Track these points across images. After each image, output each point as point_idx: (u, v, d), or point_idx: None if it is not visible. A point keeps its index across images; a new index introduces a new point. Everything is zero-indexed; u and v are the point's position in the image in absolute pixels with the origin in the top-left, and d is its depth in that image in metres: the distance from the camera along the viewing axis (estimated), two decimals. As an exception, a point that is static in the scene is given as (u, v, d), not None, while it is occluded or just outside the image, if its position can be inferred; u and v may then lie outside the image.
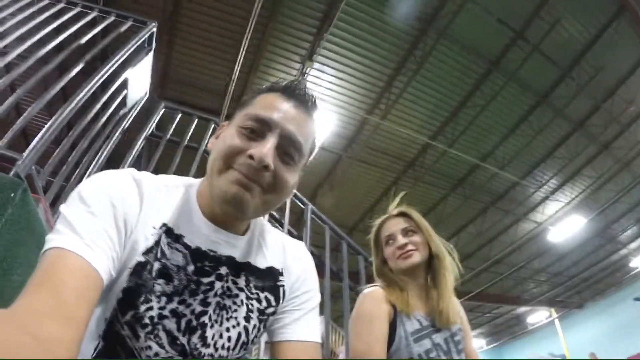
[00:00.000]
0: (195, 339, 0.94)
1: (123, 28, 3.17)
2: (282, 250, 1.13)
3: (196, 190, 1.01)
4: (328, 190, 11.24)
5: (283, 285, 1.08)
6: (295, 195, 3.60)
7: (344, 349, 3.72)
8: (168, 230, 0.94)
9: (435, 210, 13.05)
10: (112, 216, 0.85)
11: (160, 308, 0.90)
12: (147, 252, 0.90)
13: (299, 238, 2.98)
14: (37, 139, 1.99)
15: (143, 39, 3.19)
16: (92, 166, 2.83)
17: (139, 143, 3.24)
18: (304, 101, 1.01)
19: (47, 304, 0.65)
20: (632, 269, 20.55)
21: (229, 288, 1.00)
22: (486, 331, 24.70)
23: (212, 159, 0.96)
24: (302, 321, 1.09)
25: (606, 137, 11.81)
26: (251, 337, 1.03)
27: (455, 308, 1.82)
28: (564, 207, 14.39)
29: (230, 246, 1.00)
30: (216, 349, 0.97)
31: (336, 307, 3.08)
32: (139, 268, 0.89)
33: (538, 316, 23.60)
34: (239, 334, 1.00)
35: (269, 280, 1.07)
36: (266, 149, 0.90)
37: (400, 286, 1.78)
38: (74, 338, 0.65)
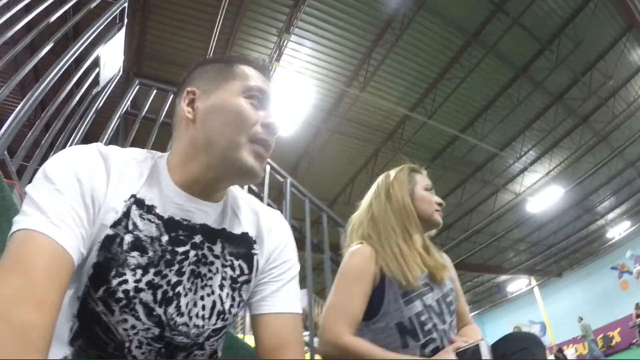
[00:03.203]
0: (171, 309, 0.93)
1: (93, 4, 3.05)
2: (256, 218, 1.11)
3: (165, 160, 1.01)
4: (307, 163, 11.25)
5: (256, 254, 1.06)
6: (274, 169, 3.64)
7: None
8: (138, 202, 0.92)
9: None
10: (79, 192, 0.83)
11: (136, 281, 0.89)
12: (115, 224, 0.88)
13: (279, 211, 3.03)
14: (8, 121, 1.95)
15: (114, 14, 3.13)
16: (67, 147, 2.81)
17: (114, 121, 3.23)
18: (270, 77, 1.10)
19: (17, 289, 0.65)
20: (609, 239, 21.08)
21: (204, 255, 0.99)
22: (467, 300, 25.02)
23: (217, 129, 0.96)
24: (281, 292, 1.07)
25: (584, 110, 12.04)
26: (226, 306, 1.01)
27: (447, 264, 1.82)
28: (543, 178, 14.70)
29: (203, 214, 0.99)
30: (190, 318, 0.95)
31: (319, 279, 3.13)
32: (107, 242, 0.87)
33: (518, 284, 24.15)
34: (214, 303, 0.99)
35: (243, 247, 1.05)
36: (278, 117, 1.00)
37: (403, 237, 1.71)
38: (47, 322, 0.65)
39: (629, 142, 13.57)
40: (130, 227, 0.90)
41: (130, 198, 0.91)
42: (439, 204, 1.84)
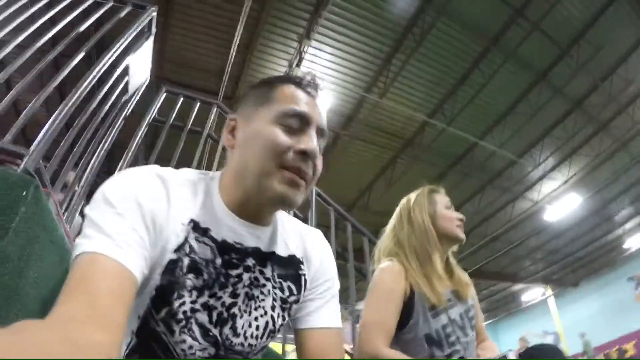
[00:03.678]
0: (226, 329, 0.98)
1: (122, 14, 3.09)
2: (302, 239, 1.15)
3: (217, 183, 1.03)
4: (326, 168, 11.28)
5: (304, 274, 1.12)
6: None
7: (348, 325, 3.84)
8: (195, 225, 0.95)
9: None
10: (140, 215, 0.85)
11: (192, 302, 0.93)
12: (178, 249, 0.92)
13: (304, 220, 3.06)
14: (42, 132, 1.98)
15: (143, 24, 3.18)
16: (95, 155, 2.84)
17: (142, 129, 3.28)
18: (318, 92, 1.08)
19: (84, 310, 0.65)
20: (626, 249, 20.83)
21: (256, 278, 1.03)
22: (482, 308, 24.69)
23: (251, 156, 0.97)
24: (325, 309, 1.13)
25: (604, 117, 11.92)
26: (277, 325, 1.07)
27: (469, 282, 1.96)
28: (561, 186, 14.58)
29: (255, 237, 1.02)
30: (245, 338, 1.00)
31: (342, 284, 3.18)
32: (172, 265, 0.91)
33: (533, 294, 23.94)
34: (267, 323, 1.04)
35: (291, 269, 1.10)
36: (315, 142, 0.98)
37: (424, 257, 1.84)
38: (113, 342, 0.65)
39: None
40: (188, 250, 0.93)
41: (189, 222, 0.94)
42: (460, 220, 1.96)
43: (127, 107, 3.29)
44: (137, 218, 0.84)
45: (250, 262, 1.02)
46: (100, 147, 2.91)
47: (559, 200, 14.89)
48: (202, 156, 3.61)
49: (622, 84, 10.72)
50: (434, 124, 10.71)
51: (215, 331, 0.96)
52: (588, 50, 9.75)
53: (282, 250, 1.09)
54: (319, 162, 1.01)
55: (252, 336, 1.02)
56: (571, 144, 12.70)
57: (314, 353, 1.07)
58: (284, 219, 1.14)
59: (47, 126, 2.01)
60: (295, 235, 1.14)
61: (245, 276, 1.01)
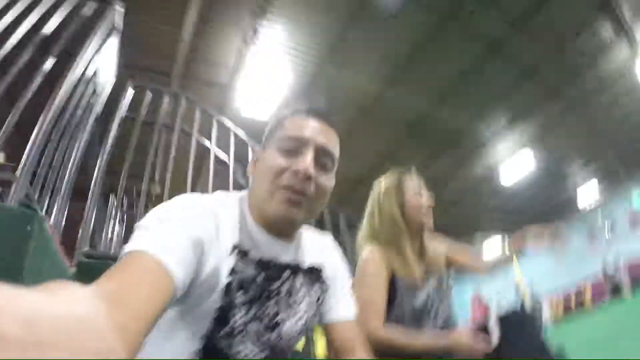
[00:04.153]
0: (274, 334, 1.13)
1: (87, 11, 2.95)
2: (318, 248, 1.30)
3: (247, 205, 1.15)
4: None
5: (325, 279, 1.27)
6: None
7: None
8: (239, 250, 1.07)
9: (393, 157, 13.24)
10: (189, 237, 0.91)
11: (245, 315, 1.06)
12: (231, 273, 1.03)
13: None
14: (25, 156, 1.96)
15: (111, 24, 3.13)
16: (71, 164, 2.78)
17: (114, 126, 3.24)
18: (325, 115, 1.17)
19: (119, 293, 0.65)
20: (580, 205, 21.60)
21: (292, 287, 1.17)
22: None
23: (258, 182, 1.11)
24: (342, 302, 1.29)
25: (557, 82, 12.11)
26: (310, 323, 1.23)
27: (441, 255, 2.18)
28: (515, 147, 14.94)
29: (285, 253, 1.17)
30: (289, 339, 1.17)
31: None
32: (228, 288, 1.03)
33: (494, 252, 24.50)
34: (304, 324, 1.20)
35: (315, 276, 1.24)
36: (308, 161, 1.06)
37: (397, 245, 1.98)
38: (140, 331, 0.64)
39: (598, 112, 14.15)
40: (236, 272, 1.05)
41: (234, 248, 1.06)
42: (429, 207, 2.08)
43: (97, 107, 3.24)
44: (185, 238, 0.90)
45: (285, 274, 1.16)
46: (73, 154, 2.85)
47: (513, 162, 15.28)
48: (157, 145, 3.62)
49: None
50: (389, 92, 10.68)
51: (266, 336, 1.11)
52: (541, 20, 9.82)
53: (305, 262, 1.23)
54: (322, 180, 1.10)
55: (294, 336, 1.19)
56: (525, 106, 12.91)
57: (344, 342, 1.23)
58: (301, 233, 1.26)
59: (28, 149, 1.99)
60: (313, 246, 1.28)
61: (284, 287, 1.15)
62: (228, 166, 3.93)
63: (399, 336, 1.78)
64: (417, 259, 2.03)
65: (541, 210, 20.97)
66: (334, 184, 1.17)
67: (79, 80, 2.64)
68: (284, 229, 1.14)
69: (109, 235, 4.90)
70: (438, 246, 2.23)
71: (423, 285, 1.97)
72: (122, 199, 3.55)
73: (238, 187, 3.79)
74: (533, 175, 16.50)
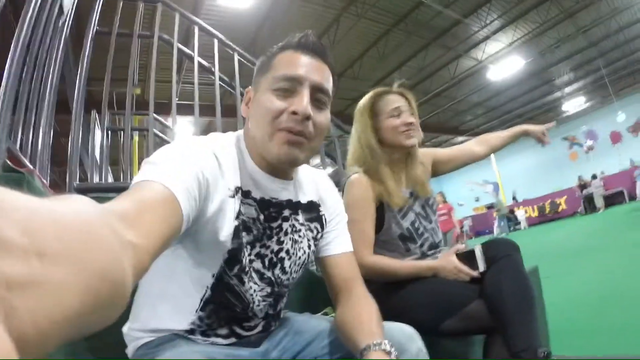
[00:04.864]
0: (277, 271, 1.16)
1: None
2: (315, 185, 1.30)
3: (244, 145, 1.13)
4: (269, 31, 10.90)
5: (324, 214, 1.29)
6: (223, 42, 3.95)
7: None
8: (240, 191, 1.07)
9: (377, 45, 13.16)
10: (194, 173, 0.91)
11: (249, 254, 1.09)
12: (238, 216, 1.05)
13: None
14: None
15: None
16: (48, 96, 2.64)
17: (88, 44, 3.10)
18: (318, 50, 1.12)
19: (129, 211, 0.63)
20: (564, 111, 22.05)
21: (293, 225, 1.20)
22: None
23: (255, 125, 1.07)
24: (341, 237, 1.31)
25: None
26: (311, 258, 1.27)
27: (427, 176, 2.09)
28: (505, 48, 15.02)
29: (285, 191, 1.17)
30: (291, 274, 1.20)
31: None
32: (236, 231, 1.05)
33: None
34: (305, 259, 1.24)
35: (314, 212, 1.27)
36: (305, 102, 1.03)
37: (377, 172, 1.90)
38: (149, 252, 0.61)
39: (595, 22, 14.02)
40: (240, 214, 1.07)
41: (238, 191, 1.07)
42: (407, 124, 1.92)
43: (66, 30, 3.06)
44: (191, 173, 0.90)
45: (286, 212, 1.18)
46: (50, 83, 2.72)
47: (502, 61, 15.46)
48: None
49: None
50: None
51: (269, 273, 1.15)
52: None
53: (304, 198, 1.25)
54: (319, 118, 1.08)
55: (295, 272, 1.22)
56: (519, 9, 12.82)
57: (341, 274, 1.25)
58: (299, 170, 1.25)
59: (2, 91, 1.86)
60: (310, 183, 1.29)
61: (285, 225, 1.18)
62: (210, 70, 3.91)
63: (387, 262, 1.80)
64: (401, 183, 1.96)
65: (524, 110, 21.22)
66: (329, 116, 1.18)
67: (41, 5, 2.48)
68: (283, 169, 1.14)
69: (96, 157, 4.74)
70: (425, 159, 2.13)
71: (409, 210, 1.93)
72: (105, 115, 3.44)
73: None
74: (521, 74, 16.58)
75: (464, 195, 26.89)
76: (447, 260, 1.77)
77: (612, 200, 18.97)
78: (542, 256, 6.53)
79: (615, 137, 22.29)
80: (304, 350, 1.21)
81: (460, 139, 22.74)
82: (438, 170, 2.21)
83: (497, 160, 24.59)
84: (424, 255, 1.90)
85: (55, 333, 0.29)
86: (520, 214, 22.04)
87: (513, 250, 1.69)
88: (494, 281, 1.61)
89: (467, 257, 1.74)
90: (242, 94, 2.57)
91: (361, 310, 1.16)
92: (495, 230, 20.13)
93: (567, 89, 20.31)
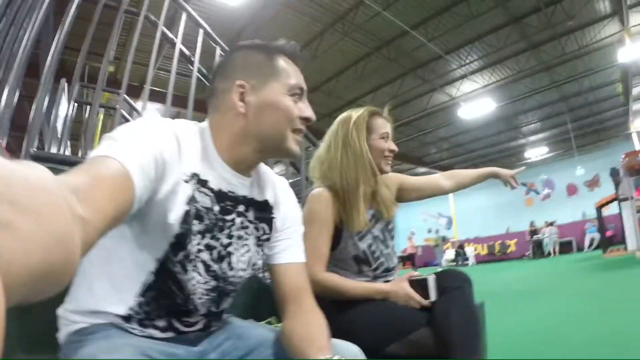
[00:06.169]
0: (224, 265, 1.15)
1: None
2: (273, 188, 1.31)
3: (210, 136, 1.15)
4: (253, 33, 10.85)
5: (275, 218, 1.29)
6: (208, 35, 3.88)
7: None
8: (197, 178, 1.08)
9: (357, 66, 13.24)
10: (152, 152, 0.92)
11: (198, 244, 1.08)
12: (189, 201, 1.05)
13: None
14: None
15: None
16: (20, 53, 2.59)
17: (72, 9, 3.01)
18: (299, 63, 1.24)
19: (82, 186, 0.64)
20: (526, 158, 22.56)
21: (243, 222, 1.20)
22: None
23: (269, 123, 1.13)
24: (294, 247, 1.30)
25: (537, 39, 12.40)
26: (257, 259, 1.25)
27: (393, 199, 2.08)
28: (480, 88, 15.46)
29: (243, 186, 1.19)
30: (237, 271, 1.19)
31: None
32: (186, 216, 1.04)
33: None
34: (250, 258, 1.22)
35: (265, 212, 1.26)
36: (311, 111, 1.18)
37: (352, 185, 1.87)
38: (98, 228, 0.62)
39: (569, 78, 14.63)
40: (194, 200, 1.07)
41: (193, 176, 1.07)
42: (391, 151, 1.96)
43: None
44: (149, 152, 0.91)
45: (241, 208, 1.19)
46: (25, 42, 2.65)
47: (474, 100, 15.82)
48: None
49: (564, 16, 10.97)
50: (370, 4, 10.49)
51: (216, 266, 1.14)
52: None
53: (259, 196, 1.26)
54: None
55: (241, 269, 1.20)
56: (499, 55, 13.21)
57: (290, 284, 1.25)
58: (259, 169, 1.28)
59: None
60: (268, 184, 1.30)
61: (238, 220, 1.18)
62: (190, 59, 3.84)
63: (338, 281, 1.79)
64: (367, 202, 1.94)
65: (488, 151, 21.76)
66: None
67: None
68: (247, 166, 1.18)
69: (57, 128, 4.62)
70: (390, 183, 2.12)
71: (367, 232, 1.91)
72: (75, 86, 3.35)
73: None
74: (490, 116, 17.08)
75: (416, 225, 27.26)
76: (399, 286, 1.77)
77: (560, 248, 19.79)
78: (488, 293, 6.62)
79: (572, 190, 23.51)
80: (245, 356, 1.19)
81: (421, 170, 23.09)
82: (402, 197, 2.19)
83: (453, 195, 25.02)
84: (376, 279, 1.89)
85: (18, 284, 0.30)
86: (470, 250, 22.55)
87: (465, 283, 1.71)
88: (443, 311, 1.62)
89: (420, 285, 1.74)
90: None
91: (311, 323, 1.18)
92: (443, 263, 20.63)
93: (532, 138, 21.20)
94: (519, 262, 19.28)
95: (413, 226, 26.61)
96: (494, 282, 9.62)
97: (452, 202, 25.74)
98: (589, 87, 15.70)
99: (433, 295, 1.69)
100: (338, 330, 1.25)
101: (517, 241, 22.28)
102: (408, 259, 23.68)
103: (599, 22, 11.93)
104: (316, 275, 1.72)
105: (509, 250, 22.53)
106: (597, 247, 16.98)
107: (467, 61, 13.61)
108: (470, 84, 15.19)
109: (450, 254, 22.71)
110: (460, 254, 22.41)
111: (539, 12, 11.28)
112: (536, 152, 22.98)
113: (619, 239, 13.18)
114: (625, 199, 10.30)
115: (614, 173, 11.48)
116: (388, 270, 1.93)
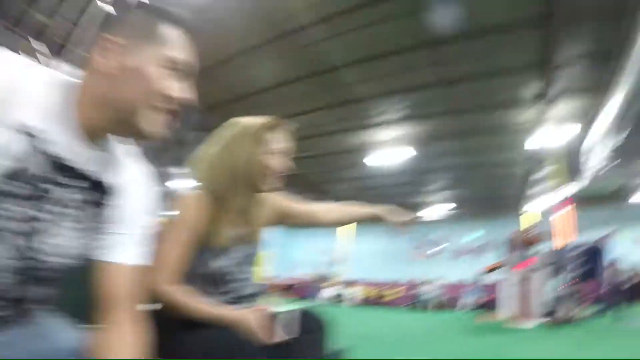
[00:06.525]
0: (34, 243, 0.97)
1: None
2: (122, 170, 1.14)
3: (76, 97, 1.00)
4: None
5: (108, 204, 1.11)
6: None
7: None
8: (29, 133, 0.92)
9: (283, 87, 12.95)
10: None
11: (7, 211, 0.90)
12: (16, 159, 0.89)
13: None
14: None
15: None
16: None
17: None
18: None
19: None
20: (420, 216, 23.73)
21: (72, 199, 1.02)
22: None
23: (128, 92, 0.99)
24: (129, 246, 1.14)
25: (459, 107, 12.76)
26: (77, 247, 1.06)
27: (268, 224, 1.91)
28: (396, 139, 15.59)
29: (88, 160, 1.03)
30: (51, 255, 1.00)
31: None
32: (6, 173, 0.89)
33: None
34: (70, 242, 1.04)
35: (98, 195, 1.09)
36: (192, 93, 1.05)
37: (223, 198, 1.72)
38: None
39: (480, 151, 15.51)
40: (21, 158, 0.91)
41: (25, 130, 0.91)
42: (278, 171, 1.78)
43: None
44: None
45: (74, 183, 1.02)
46: None
47: (387, 149, 16.16)
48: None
49: (489, 91, 11.60)
50: (314, 29, 10.32)
51: (22, 243, 0.95)
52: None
53: (97, 175, 1.08)
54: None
55: (57, 254, 1.02)
56: (426, 112, 13.53)
57: (106, 288, 1.09)
58: (114, 146, 1.13)
59: None
60: (117, 165, 1.13)
61: (65, 196, 1.01)
62: None
63: (181, 298, 1.58)
64: (237, 218, 1.75)
65: (385, 201, 22.19)
66: None
67: None
68: (102, 138, 1.04)
69: None
70: (272, 205, 1.94)
71: (229, 252, 1.72)
72: None
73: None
74: (399, 167, 17.58)
75: (302, 257, 27.51)
76: (250, 317, 1.56)
77: (441, 305, 21.44)
78: (359, 337, 6.64)
79: (460, 252, 25.30)
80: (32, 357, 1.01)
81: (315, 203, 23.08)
82: (283, 222, 2.02)
83: (345, 231, 25.40)
84: (228, 304, 1.70)
85: None
86: (353, 291, 23.00)
87: (320, 327, 1.63)
88: (291, 352, 1.53)
89: (277, 320, 1.58)
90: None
91: (122, 339, 1.07)
92: (320, 299, 20.95)
93: (433, 197, 22.17)
94: (400, 311, 20.12)
95: (299, 257, 26.79)
96: (367, 328, 9.71)
97: (342, 239, 26.27)
98: (495, 163, 16.72)
99: (286, 332, 1.55)
100: (168, 352, 1.23)
101: (400, 290, 23.58)
102: (288, 290, 23.82)
103: (519, 107, 12.58)
104: (157, 286, 1.56)
105: (390, 298, 23.34)
106: (475, 309, 18.01)
107: (391, 109, 13.58)
108: (388, 132, 15.21)
109: (331, 291, 23.03)
110: (342, 294, 22.77)
111: (466, 83, 11.50)
112: (434, 211, 24.16)
113: (495, 305, 13.95)
114: (507, 270, 11.10)
115: (502, 245, 12.31)
116: (242, 299, 1.76)
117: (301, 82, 12.50)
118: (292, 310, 1.60)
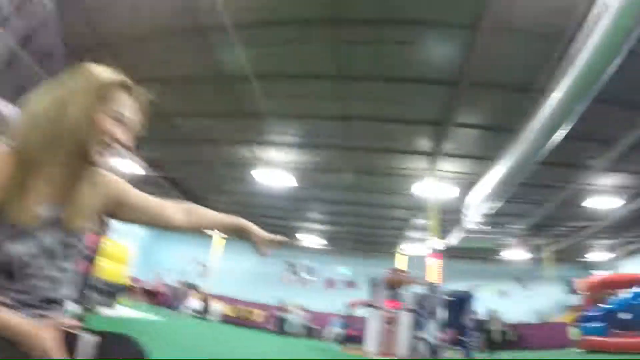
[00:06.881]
0: None
1: None
2: None
3: None
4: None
5: None
6: None
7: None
8: None
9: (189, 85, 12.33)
10: None
11: None
12: None
13: None
14: None
15: None
16: None
17: None
18: None
19: None
20: (299, 240, 24.37)
21: None
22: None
23: None
24: None
25: (352, 144, 13.06)
26: None
27: (96, 209, 1.49)
28: (281, 163, 15.48)
29: None
30: None
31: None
32: None
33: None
34: None
35: None
36: None
37: (44, 162, 1.30)
38: None
39: (372, 189, 15.96)
40: None
41: None
42: (115, 139, 1.39)
43: None
44: None
45: None
46: None
47: (274, 169, 15.91)
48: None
49: (386, 135, 12.01)
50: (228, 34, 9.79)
51: None
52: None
53: None
54: None
55: None
56: (317, 141, 13.66)
57: None
58: None
59: None
60: None
61: None
62: None
63: None
64: (52, 191, 1.33)
65: (267, 221, 22.16)
66: None
67: None
68: None
69: None
70: (106, 186, 1.52)
71: (35, 234, 1.28)
72: None
73: None
74: (285, 191, 17.64)
75: (171, 262, 26.80)
76: (42, 333, 1.19)
77: (305, 332, 22.17)
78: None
79: (331, 283, 26.25)
80: None
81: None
82: (119, 213, 1.58)
83: (225, 248, 24.97)
84: (25, 307, 1.26)
85: None
86: (216, 306, 22.69)
87: (136, 355, 1.35)
88: None
89: (72, 341, 1.27)
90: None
91: None
92: (185, 310, 21.00)
93: (312, 225, 22.51)
94: (261, 332, 20.23)
95: (165, 263, 26.16)
96: (222, 347, 9.47)
97: (214, 251, 25.60)
98: (377, 204, 17.61)
99: (83, 355, 1.25)
100: None
101: (264, 312, 23.86)
102: (154, 296, 23.16)
103: (411, 155, 13.29)
104: None
105: (254, 318, 23.41)
106: (341, 341, 18.69)
107: (284, 132, 13.47)
108: (274, 153, 15.04)
109: (196, 303, 22.51)
110: (208, 308, 22.46)
111: (365, 122, 11.88)
112: (310, 239, 24.61)
113: (359, 339, 14.34)
114: (375, 307, 11.82)
115: (373, 282, 12.92)
116: (45, 302, 1.33)
117: (202, 82, 11.90)
118: (101, 332, 1.33)
